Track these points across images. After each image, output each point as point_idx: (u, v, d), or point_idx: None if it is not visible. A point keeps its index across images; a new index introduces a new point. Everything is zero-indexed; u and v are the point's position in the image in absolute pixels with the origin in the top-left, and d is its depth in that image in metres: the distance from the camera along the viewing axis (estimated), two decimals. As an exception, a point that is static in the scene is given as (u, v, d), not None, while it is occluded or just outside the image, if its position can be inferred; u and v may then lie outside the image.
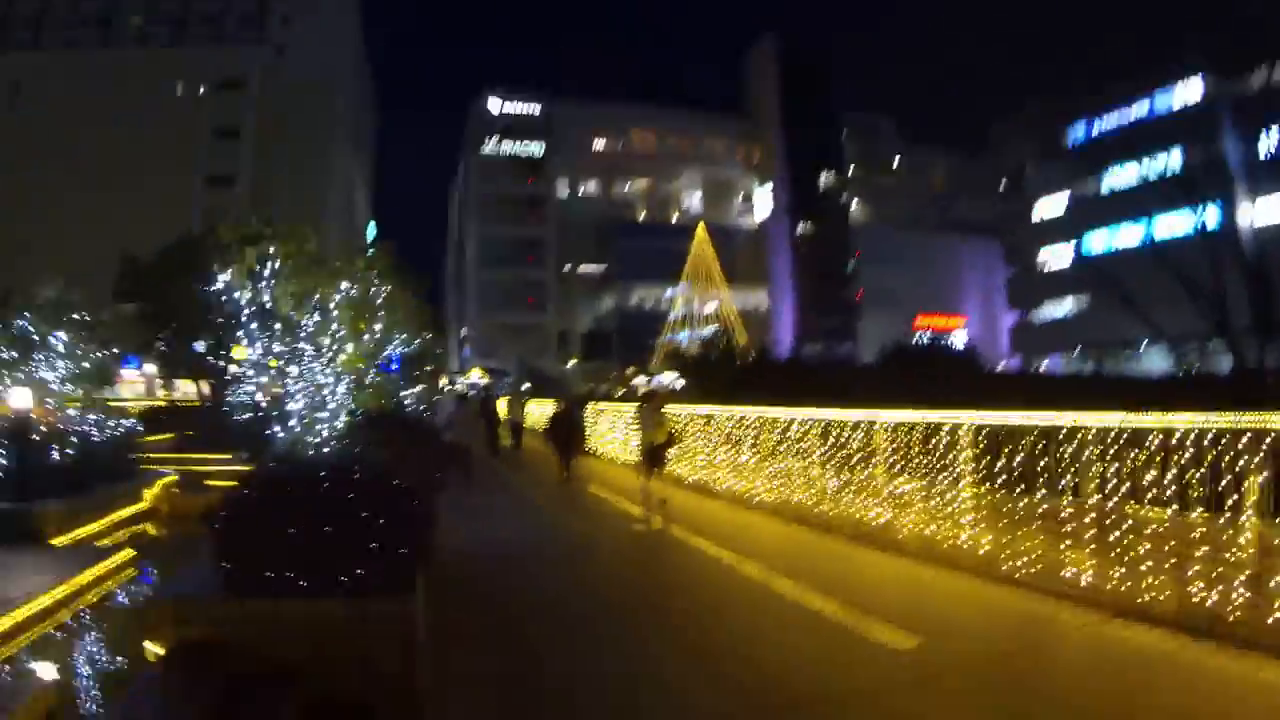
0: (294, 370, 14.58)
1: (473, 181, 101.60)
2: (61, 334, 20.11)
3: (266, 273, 14.69)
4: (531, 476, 24.67)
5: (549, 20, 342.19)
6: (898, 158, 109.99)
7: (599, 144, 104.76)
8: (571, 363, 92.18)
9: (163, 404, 35.24)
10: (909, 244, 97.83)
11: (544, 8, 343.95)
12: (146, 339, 29.33)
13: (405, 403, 24.62)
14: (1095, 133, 79.18)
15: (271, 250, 14.68)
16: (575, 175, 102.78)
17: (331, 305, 14.93)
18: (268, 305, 14.55)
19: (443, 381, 57.48)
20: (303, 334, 14.55)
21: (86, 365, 20.72)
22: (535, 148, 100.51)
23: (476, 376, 76.85)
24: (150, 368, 36.70)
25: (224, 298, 14.72)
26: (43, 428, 16.11)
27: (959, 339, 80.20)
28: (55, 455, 15.70)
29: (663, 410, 17.30)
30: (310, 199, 69.65)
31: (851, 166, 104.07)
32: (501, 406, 40.04)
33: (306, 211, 55.90)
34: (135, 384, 49.97)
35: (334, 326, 14.99)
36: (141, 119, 74.64)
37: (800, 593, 10.04)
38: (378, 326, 16.50)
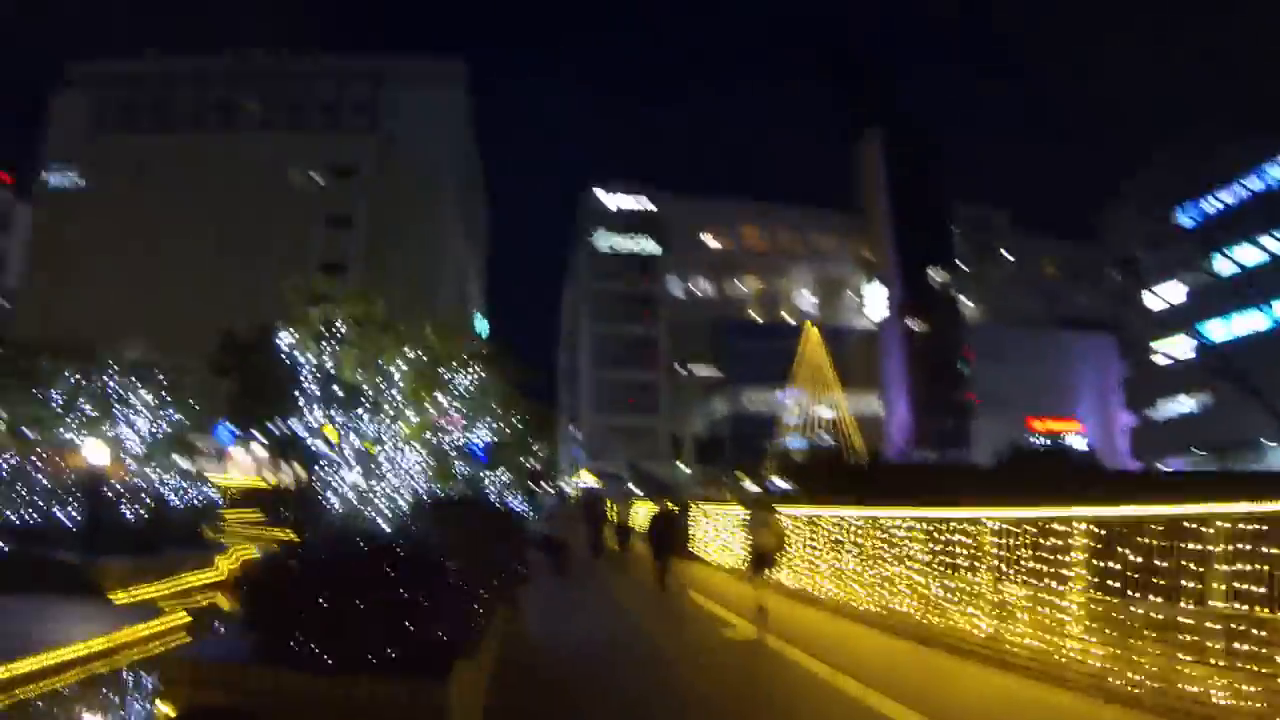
0: (353, 439, 14.06)
1: (583, 278, 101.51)
2: (144, 393, 20.04)
3: (332, 335, 14.07)
4: (630, 579, 24.10)
5: (657, 114, 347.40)
6: (1007, 251, 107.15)
7: (709, 240, 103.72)
8: (683, 467, 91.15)
9: (262, 486, 35.50)
10: (1021, 341, 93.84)
11: (652, 102, 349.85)
12: (242, 414, 29.38)
13: (487, 489, 23.82)
14: (1207, 212, 75.88)
15: (337, 311, 13.97)
16: (686, 272, 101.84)
17: (394, 370, 14.30)
18: (330, 369, 13.99)
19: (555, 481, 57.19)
20: (366, 401, 13.98)
21: (167, 427, 20.64)
22: (646, 243, 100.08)
23: (586, 478, 76.25)
24: (260, 451, 36.81)
25: (288, 361, 14.13)
26: (117, 485, 16.07)
27: (1076, 442, 76.74)
28: (127, 514, 15.64)
29: (773, 514, 16.54)
30: (422, 289, 69.84)
31: (962, 261, 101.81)
32: (611, 510, 39.47)
33: (418, 302, 56.08)
34: (242, 466, 50.02)
35: (395, 394, 14.43)
36: (257, 202, 76.62)
37: (899, 713, 9.21)
38: (440, 396, 15.63)
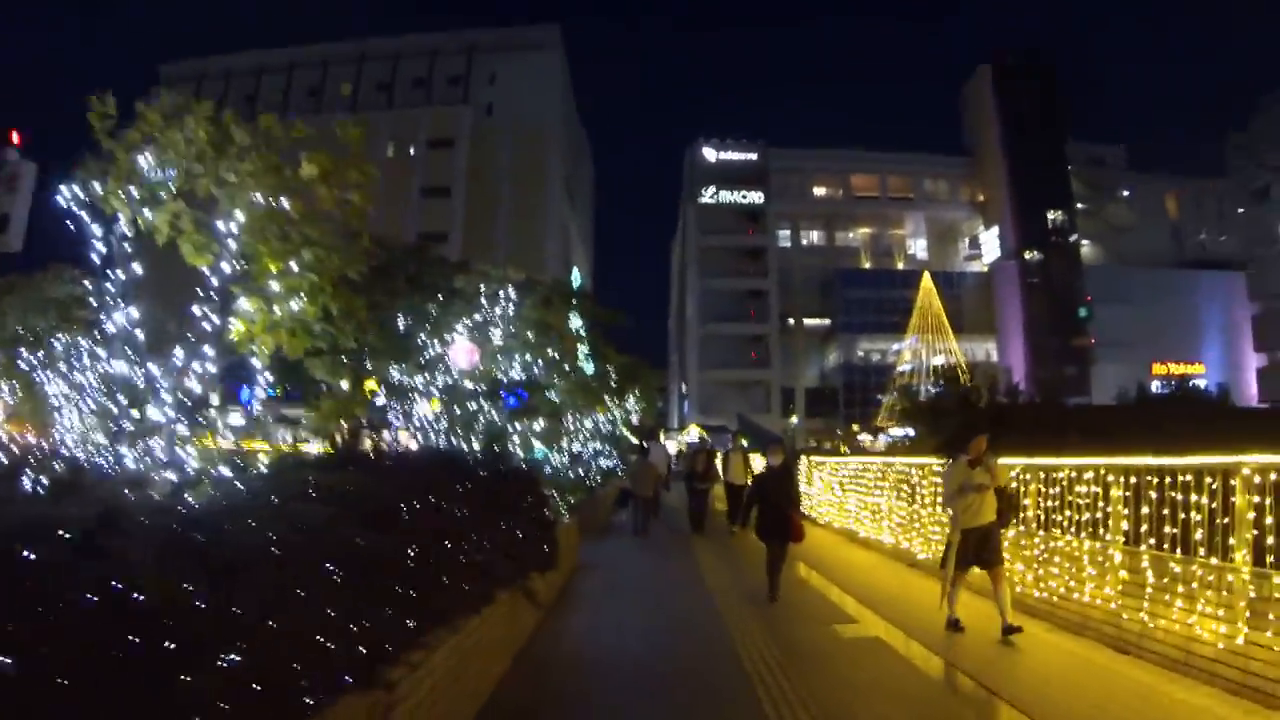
0: (179, 354, 8.37)
1: (691, 233, 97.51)
2: (79, 339, 15.19)
3: (149, 171, 8.01)
4: (739, 563, 17.05)
5: (758, 65, 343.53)
6: (1126, 189, 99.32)
7: (818, 191, 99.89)
8: (794, 420, 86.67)
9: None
10: (1142, 283, 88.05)
11: (753, 53, 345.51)
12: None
13: (508, 445, 17.37)
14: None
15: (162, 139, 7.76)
16: (795, 224, 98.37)
17: (229, 224, 8.07)
18: (133, 232, 8.26)
19: (662, 436, 53.99)
20: (201, 289, 8.31)
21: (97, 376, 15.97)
22: (753, 196, 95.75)
23: (694, 433, 72.12)
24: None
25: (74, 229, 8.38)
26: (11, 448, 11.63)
27: (1200, 384, 70.14)
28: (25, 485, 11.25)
29: (994, 464, 9.93)
30: (525, 256, 67.37)
31: (1079, 201, 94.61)
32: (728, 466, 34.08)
33: (522, 269, 53.49)
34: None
35: (226, 266, 8.47)
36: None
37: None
38: (298, 265, 8.79)
